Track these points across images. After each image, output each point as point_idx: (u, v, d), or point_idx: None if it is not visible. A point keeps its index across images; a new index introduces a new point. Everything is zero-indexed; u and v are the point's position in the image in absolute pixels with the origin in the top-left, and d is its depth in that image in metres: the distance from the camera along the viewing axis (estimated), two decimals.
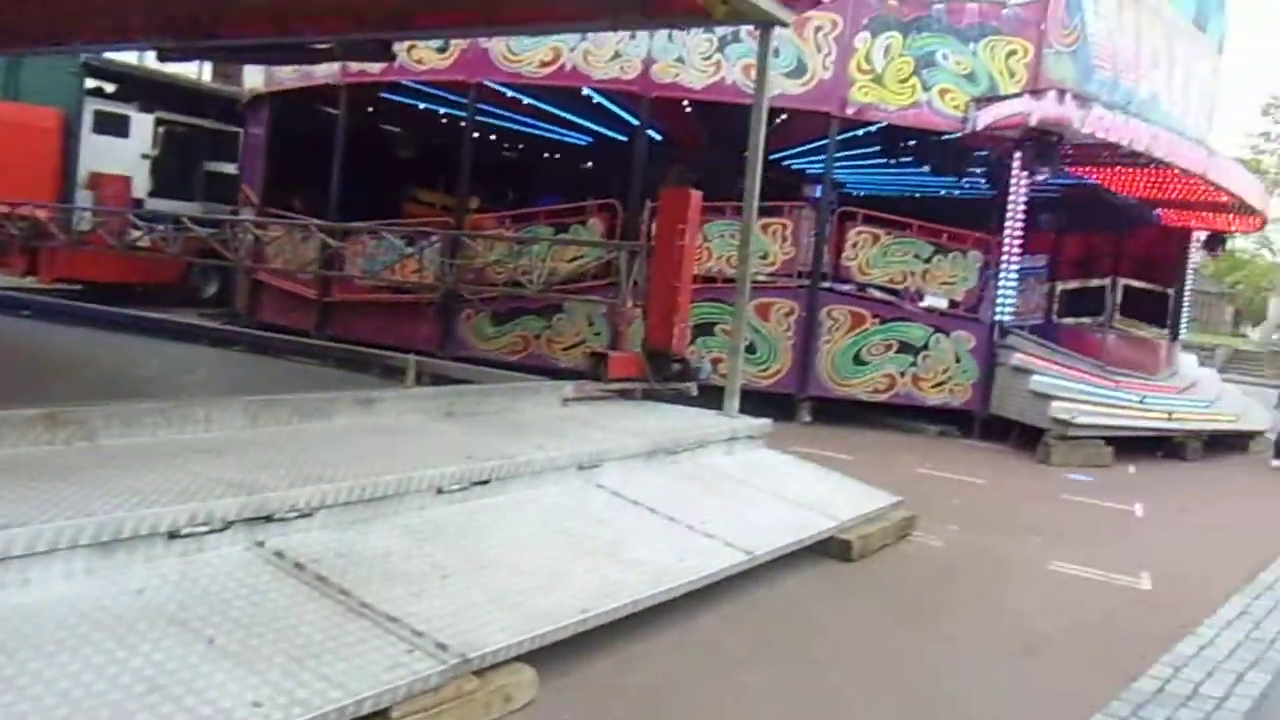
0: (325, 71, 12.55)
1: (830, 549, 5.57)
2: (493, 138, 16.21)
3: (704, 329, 10.72)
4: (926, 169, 13.94)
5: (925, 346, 11.33)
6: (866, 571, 5.51)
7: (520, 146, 17.61)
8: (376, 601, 3.27)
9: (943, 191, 16.32)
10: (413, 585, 3.49)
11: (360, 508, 3.98)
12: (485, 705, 3.15)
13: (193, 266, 15.19)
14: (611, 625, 3.82)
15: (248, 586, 3.19)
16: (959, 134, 11.38)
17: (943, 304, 11.68)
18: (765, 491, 5.93)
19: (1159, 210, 15.13)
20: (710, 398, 7.32)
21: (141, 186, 15.61)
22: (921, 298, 11.69)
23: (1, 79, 14.90)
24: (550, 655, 3.50)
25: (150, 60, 16.24)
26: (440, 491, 4.41)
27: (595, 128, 14.98)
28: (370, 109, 14.97)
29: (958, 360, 11.35)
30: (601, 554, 4.33)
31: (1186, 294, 17.30)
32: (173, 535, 3.23)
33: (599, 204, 11.87)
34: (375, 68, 11.76)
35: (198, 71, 19.77)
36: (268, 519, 3.57)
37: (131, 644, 2.70)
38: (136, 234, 11.98)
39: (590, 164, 17.96)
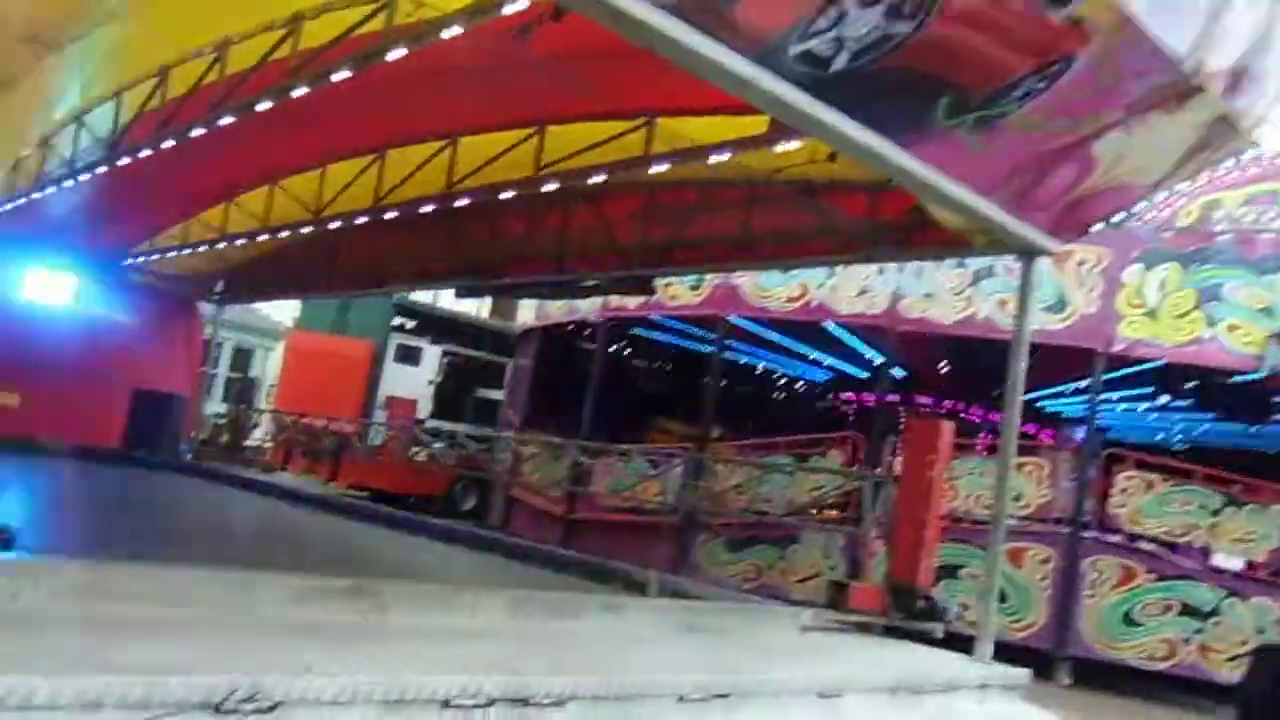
0: (589, 307, 13.91)
1: None
2: (733, 372, 16.97)
3: (948, 571, 10.16)
4: (1209, 415, 12.81)
5: (1215, 611, 9.96)
6: None
7: (759, 381, 18.26)
8: None
9: (1231, 441, 14.83)
10: None
11: (607, 704, 4.05)
12: None
13: (456, 482, 16.68)
14: None
15: None
16: (1255, 374, 10.48)
17: (1237, 564, 10.37)
18: None
19: None
20: (955, 648, 6.81)
21: (424, 409, 17.58)
22: (1209, 555, 10.47)
23: (334, 316, 17.83)
24: None
25: (444, 299, 18.76)
26: (681, 699, 4.40)
27: (834, 363, 15.35)
28: (623, 343, 16.26)
29: (1260, 632, 9.81)
30: None
31: None
32: (445, 704, 3.44)
33: (839, 436, 11.94)
34: (632, 303, 12.90)
35: (477, 309, 22.49)
36: (525, 702, 3.71)
37: None
38: (417, 449, 13.50)
39: (828, 399, 18.22)
